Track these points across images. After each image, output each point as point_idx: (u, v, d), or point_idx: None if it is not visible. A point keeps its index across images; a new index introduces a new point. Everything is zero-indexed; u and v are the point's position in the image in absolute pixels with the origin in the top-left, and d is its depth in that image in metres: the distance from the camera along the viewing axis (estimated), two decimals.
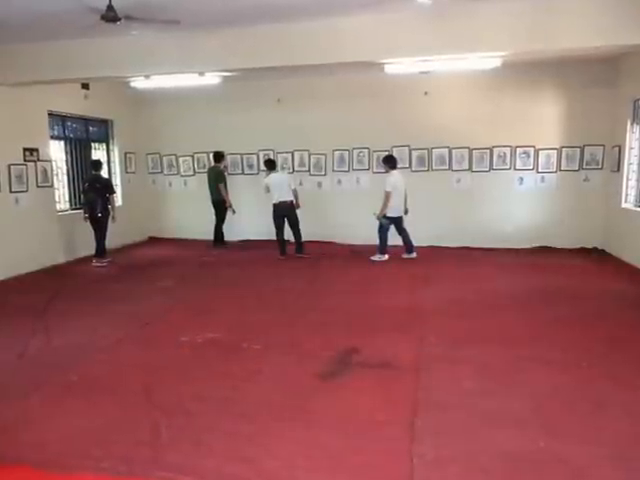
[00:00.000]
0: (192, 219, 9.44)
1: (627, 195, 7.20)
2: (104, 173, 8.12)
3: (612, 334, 4.33)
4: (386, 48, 5.38)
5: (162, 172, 9.71)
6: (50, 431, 2.90)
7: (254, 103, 8.80)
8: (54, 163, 7.69)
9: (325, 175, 8.90)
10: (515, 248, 8.07)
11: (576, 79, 7.66)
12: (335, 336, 4.32)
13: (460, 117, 8.10)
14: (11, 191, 6.82)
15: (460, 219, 8.35)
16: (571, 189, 7.98)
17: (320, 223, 8.69)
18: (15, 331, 4.65)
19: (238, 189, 9.04)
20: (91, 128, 8.60)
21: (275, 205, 7.64)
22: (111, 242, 7.94)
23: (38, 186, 7.27)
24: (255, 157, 9.14)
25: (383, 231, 7.42)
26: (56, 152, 7.82)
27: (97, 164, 7.66)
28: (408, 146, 8.43)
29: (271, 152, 8.96)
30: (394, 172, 7.41)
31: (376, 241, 7.49)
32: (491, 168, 8.23)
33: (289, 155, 8.99)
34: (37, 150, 7.24)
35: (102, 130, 8.87)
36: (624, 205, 7.22)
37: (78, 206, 8.05)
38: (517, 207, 8.23)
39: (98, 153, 8.75)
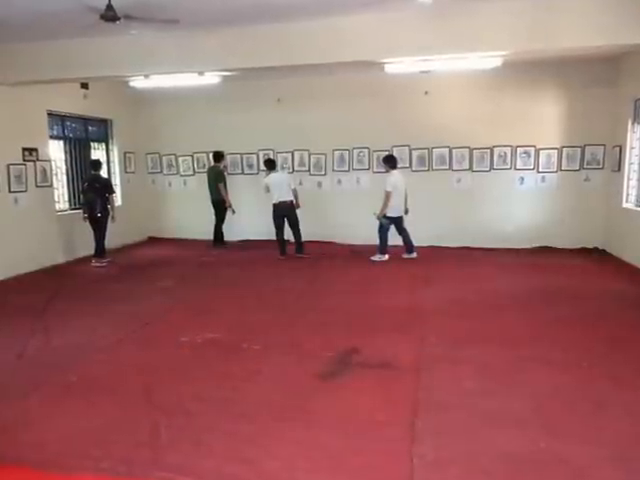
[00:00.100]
0: (192, 219, 9.43)
1: (628, 195, 7.19)
2: (103, 173, 8.11)
3: (613, 334, 4.32)
4: (386, 47, 5.37)
5: (162, 172, 9.70)
6: (49, 431, 2.90)
7: (254, 103, 8.79)
8: (53, 163, 7.67)
9: (325, 175, 8.89)
10: (516, 248, 8.06)
11: (577, 78, 7.65)
12: (335, 336, 4.32)
13: (460, 117, 8.09)
14: (10, 191, 6.81)
15: (460, 219, 8.34)
16: (572, 189, 7.97)
17: (320, 223, 8.68)
18: (14, 331, 4.64)
19: (238, 189, 9.03)
20: (90, 128, 8.59)
21: (275, 205, 7.63)
22: (110, 242, 7.93)
23: (37, 186, 7.26)
24: (255, 157, 9.13)
25: (383, 231, 7.41)
26: (55, 152, 7.81)
27: (96, 164, 7.65)
28: (408, 146, 8.42)
29: (271, 152, 8.95)
30: (394, 172, 7.40)
31: (376, 241, 7.48)
32: (491, 168, 8.23)
33: (289, 155, 8.98)
34: (36, 150, 7.23)
35: (101, 130, 8.86)
36: (625, 205, 7.21)
37: (77, 206, 8.04)
38: (518, 207, 8.22)
39: (97, 153, 8.74)
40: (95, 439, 2.80)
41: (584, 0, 4.86)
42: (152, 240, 9.74)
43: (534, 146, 8.04)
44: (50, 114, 7.57)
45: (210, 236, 8.81)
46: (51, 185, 7.58)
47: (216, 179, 8.53)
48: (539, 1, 4.92)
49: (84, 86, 8.04)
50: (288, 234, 7.83)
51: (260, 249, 8.44)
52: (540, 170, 8.08)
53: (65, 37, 5.84)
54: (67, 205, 8.10)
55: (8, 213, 6.79)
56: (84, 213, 7.44)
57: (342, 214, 8.71)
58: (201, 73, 6.50)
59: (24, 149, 7.02)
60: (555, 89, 7.83)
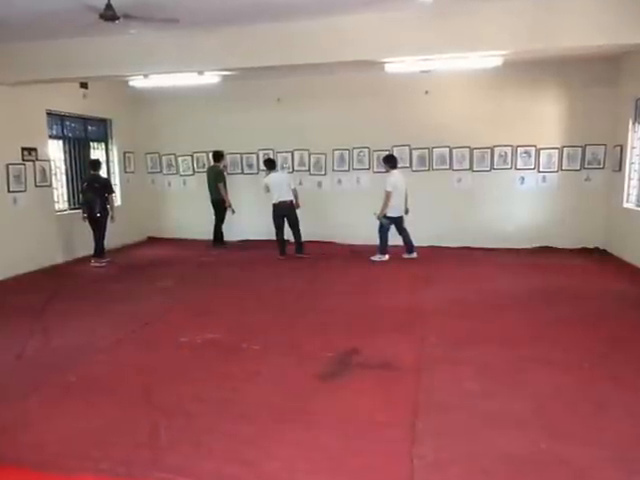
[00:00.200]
0: (191, 219, 9.42)
1: (629, 195, 7.18)
2: (103, 173, 8.10)
3: (614, 334, 4.31)
4: (387, 47, 5.36)
5: (161, 172, 9.69)
6: (49, 432, 2.89)
7: (254, 102, 8.78)
8: (53, 163, 7.66)
9: (325, 175, 8.88)
10: (516, 248, 8.05)
11: (577, 78, 7.64)
12: (335, 337, 4.31)
13: (461, 116, 8.08)
14: (9, 191, 6.80)
15: (461, 219, 8.33)
16: (572, 189, 7.96)
17: (320, 223, 8.67)
18: (13, 332, 4.63)
19: (238, 189, 9.02)
20: (90, 127, 8.57)
21: (275, 205, 7.62)
22: (110, 242, 7.92)
23: (36, 186, 7.25)
24: (255, 157, 9.12)
25: (383, 231, 7.40)
26: (55, 152, 7.79)
27: (96, 164, 7.63)
28: (409, 145, 8.40)
29: (271, 152, 8.94)
30: (394, 172, 7.39)
31: (376, 241, 7.47)
32: (492, 168, 8.21)
33: (289, 155, 8.97)
34: (35, 150, 7.21)
35: (101, 129, 8.84)
36: (626, 205, 7.20)
37: (77, 206, 8.03)
38: (518, 207, 8.21)
39: (97, 153, 8.72)
40: (95, 440, 2.79)
41: None
42: (152, 240, 9.72)
43: (535, 146, 8.02)
44: (49, 114, 7.56)
45: (210, 236, 8.79)
46: (50, 185, 7.57)
47: (216, 179, 8.52)
48: (540, 0, 4.91)
49: (83, 86, 8.03)
50: (288, 234, 7.82)
51: (260, 249, 8.43)
52: (541, 170, 8.07)
53: (64, 36, 5.83)
54: (66, 205, 8.09)
55: (7, 213, 6.78)
56: (83, 213, 7.43)
57: (342, 214, 8.70)
58: (201, 73, 6.48)
59: (23, 149, 7.01)
60: (556, 89, 7.82)
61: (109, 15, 4.38)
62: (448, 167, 8.35)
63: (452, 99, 8.15)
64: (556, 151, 7.97)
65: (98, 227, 7.44)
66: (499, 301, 5.35)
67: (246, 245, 8.99)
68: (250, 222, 9.10)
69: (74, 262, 7.79)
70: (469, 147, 8.23)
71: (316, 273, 6.85)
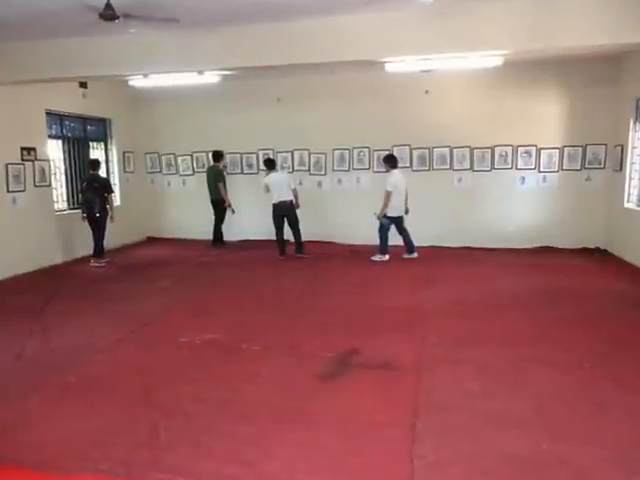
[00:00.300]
0: (191, 219, 9.41)
1: (630, 195, 7.17)
2: (102, 172, 8.08)
3: (614, 334, 4.31)
4: (387, 47, 5.34)
5: (161, 171, 9.67)
6: (48, 432, 2.88)
7: (253, 102, 8.77)
8: (52, 162, 7.65)
9: (325, 175, 8.87)
10: (516, 248, 8.04)
11: (578, 78, 7.63)
12: (335, 337, 4.30)
13: (461, 116, 8.07)
14: (8, 191, 6.79)
15: (461, 219, 8.32)
16: (573, 189, 7.95)
17: (320, 223, 8.66)
18: (13, 332, 4.63)
19: (237, 189, 9.01)
20: (89, 127, 8.56)
21: (275, 205, 7.61)
22: (109, 242, 7.91)
23: (36, 186, 7.24)
24: (255, 156, 9.11)
25: (384, 231, 7.39)
26: (54, 151, 7.78)
27: (95, 163, 7.62)
28: (409, 145, 8.40)
29: (271, 151, 8.93)
30: (395, 171, 7.38)
31: (376, 241, 7.46)
32: (492, 167, 8.20)
33: (289, 154, 8.96)
34: (35, 149, 7.20)
35: (100, 129, 8.83)
36: (626, 205, 7.19)
37: (76, 206, 8.02)
38: (519, 207, 8.20)
39: (96, 152, 8.71)
40: (94, 440, 2.79)
41: None
42: (151, 240, 9.71)
43: (535, 146, 8.01)
44: (49, 113, 7.55)
45: (209, 236, 8.79)
46: (49, 185, 7.56)
47: (215, 179, 8.51)
48: (540, 0, 4.90)
49: (83, 85, 8.02)
50: (288, 234, 7.81)
51: (260, 249, 8.42)
52: (541, 170, 8.06)
53: (64, 36, 5.82)
54: (66, 205, 8.08)
55: (6, 213, 6.77)
56: (83, 213, 7.42)
57: (342, 214, 8.69)
58: (200, 72, 6.47)
59: (22, 148, 7.00)
60: (556, 88, 7.81)
61: (109, 14, 4.37)
62: (448, 167, 8.34)
63: (452, 99, 8.14)
64: (557, 151, 7.96)
65: (97, 227, 7.43)
66: (500, 301, 5.34)
67: (246, 245, 8.97)
68: (250, 222, 9.09)
69: (73, 262, 7.78)
70: (469, 147, 8.22)
71: (316, 273, 6.84)
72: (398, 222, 7.43)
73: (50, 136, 7.63)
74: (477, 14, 5.02)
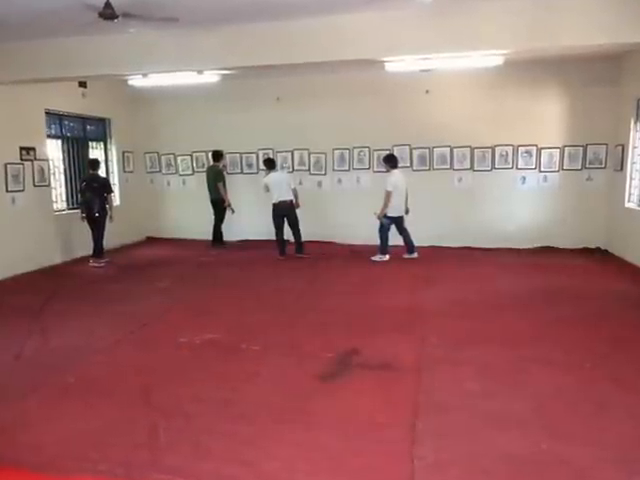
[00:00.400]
0: (191, 219, 9.40)
1: (630, 194, 7.16)
2: (102, 172, 8.06)
3: (615, 334, 4.30)
4: (387, 46, 5.33)
5: (160, 171, 9.66)
6: (47, 433, 2.87)
7: (253, 101, 8.77)
8: (51, 162, 7.64)
9: (325, 174, 8.86)
10: (517, 248, 8.04)
11: (579, 77, 7.62)
12: (335, 337, 4.29)
13: (462, 116, 8.06)
14: (7, 191, 6.78)
15: (461, 219, 8.31)
16: (574, 188, 7.94)
17: (320, 223, 8.65)
18: (12, 332, 4.62)
19: (237, 188, 9.00)
20: (89, 127, 8.56)
21: (274, 205, 7.60)
22: (109, 242, 7.90)
23: (35, 185, 7.23)
24: (254, 156, 9.10)
25: (384, 231, 7.38)
26: (53, 151, 7.77)
27: (95, 163, 7.61)
28: (409, 145, 8.39)
29: (270, 151, 8.92)
30: (395, 171, 7.37)
31: (377, 241, 7.45)
32: (493, 167, 8.19)
33: (289, 154, 8.95)
34: (34, 149, 7.19)
35: (100, 129, 8.82)
36: (627, 205, 7.18)
37: (75, 206, 8.01)
38: (519, 207, 8.19)
39: (96, 152, 8.70)
40: (93, 441, 2.78)
41: None
42: (150, 240, 9.70)
43: (536, 145, 8.00)
44: (48, 113, 7.54)
45: (209, 236, 8.77)
46: (49, 185, 7.55)
47: (215, 178, 8.50)
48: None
49: (82, 85, 8.01)
50: (288, 234, 7.80)
51: (259, 249, 8.41)
52: (542, 169, 8.05)
53: (63, 35, 5.81)
54: (65, 205, 8.07)
55: (5, 213, 6.76)
56: (82, 213, 7.40)
57: (342, 214, 8.68)
58: (200, 72, 6.46)
59: (22, 148, 6.99)
60: (557, 88, 7.81)
61: (108, 14, 4.36)
62: (449, 167, 8.33)
63: (453, 98, 8.13)
64: (557, 151, 7.96)
65: (97, 227, 7.42)
66: (500, 301, 5.33)
67: (246, 245, 8.97)
68: (250, 222, 9.08)
69: (73, 262, 7.77)
70: (470, 147, 8.21)
71: (316, 273, 6.83)
72: (398, 222, 7.42)
73: (49, 136, 7.62)
74: (477, 13, 5.01)
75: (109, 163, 9.00)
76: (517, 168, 8.12)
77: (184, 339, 4.31)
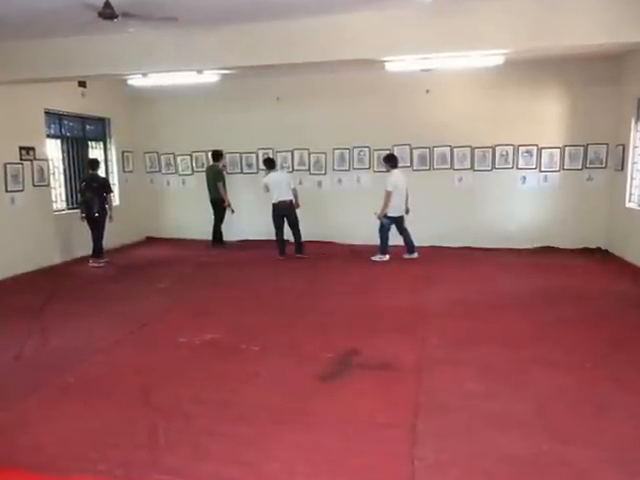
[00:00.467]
0: (190, 219, 9.39)
1: (631, 194, 7.14)
2: (101, 172, 8.05)
3: (616, 334, 4.29)
4: (387, 46, 5.33)
5: (160, 171, 9.65)
6: (47, 433, 2.87)
7: (253, 101, 8.76)
8: (51, 162, 7.63)
9: (325, 174, 8.85)
10: (517, 248, 8.03)
11: (579, 77, 7.61)
12: (335, 337, 4.28)
13: (462, 115, 8.05)
14: (7, 190, 6.77)
15: (462, 219, 8.30)
16: (574, 188, 7.93)
17: (320, 223, 8.64)
18: (11, 332, 4.61)
19: (237, 188, 8.99)
20: (88, 126, 8.54)
21: (274, 205, 7.59)
22: (108, 242, 7.88)
23: (34, 185, 7.22)
24: (254, 156, 9.09)
25: (384, 231, 7.37)
26: (53, 151, 7.76)
27: (94, 163, 7.60)
28: (409, 145, 8.38)
29: (270, 151, 8.91)
30: (395, 171, 7.36)
31: (377, 241, 7.45)
32: (493, 167, 8.18)
33: (289, 154, 8.94)
34: (33, 149, 7.18)
35: (99, 128, 8.82)
36: (628, 204, 7.17)
37: (75, 206, 8.00)
38: (519, 206, 8.18)
39: (95, 152, 8.69)
40: (93, 441, 2.77)
41: None
42: (150, 240, 9.69)
43: (536, 145, 7.99)
44: (47, 113, 7.53)
45: (209, 236, 8.76)
46: (48, 184, 7.54)
47: (215, 178, 8.49)
48: None
49: (82, 84, 8.00)
50: (288, 234, 7.79)
51: (259, 249, 8.40)
52: (542, 169, 8.04)
53: (63, 35, 5.80)
54: (64, 205, 8.05)
55: (5, 213, 6.75)
56: (82, 213, 7.40)
57: (342, 214, 8.67)
58: (200, 71, 6.45)
59: (21, 148, 6.98)
60: (557, 87, 7.80)
61: (108, 13, 4.35)
62: (449, 166, 8.32)
63: (453, 98, 8.12)
64: (558, 150, 7.95)
65: (96, 227, 7.41)
66: (500, 301, 5.32)
67: (245, 245, 8.96)
68: (250, 222, 9.07)
69: (72, 262, 7.76)
70: (470, 146, 8.20)
71: (316, 273, 6.82)
72: (398, 222, 7.41)
73: (49, 135, 7.61)
74: (476, 13, 5.00)
75: (109, 163, 8.98)
76: (517, 168, 8.11)
77: (184, 339, 4.30)
